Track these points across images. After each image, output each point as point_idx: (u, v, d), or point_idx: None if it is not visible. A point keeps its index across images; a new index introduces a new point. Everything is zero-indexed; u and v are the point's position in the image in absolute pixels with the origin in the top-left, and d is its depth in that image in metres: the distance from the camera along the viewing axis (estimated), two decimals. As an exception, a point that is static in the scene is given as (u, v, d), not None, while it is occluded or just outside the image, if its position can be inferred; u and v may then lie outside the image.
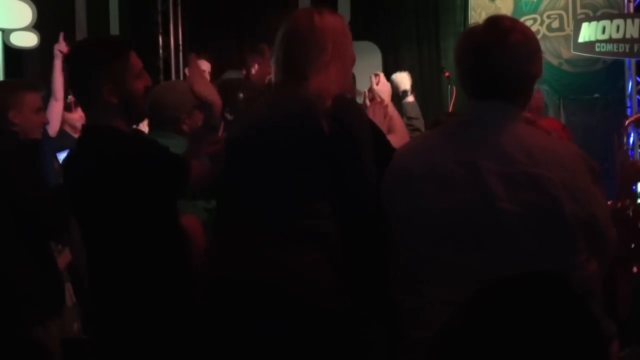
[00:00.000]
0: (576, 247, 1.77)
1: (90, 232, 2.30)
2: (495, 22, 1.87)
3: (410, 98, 4.22)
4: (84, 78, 2.25)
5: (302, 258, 2.01)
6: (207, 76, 5.78)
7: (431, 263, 1.81)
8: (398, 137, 2.75)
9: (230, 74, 5.89)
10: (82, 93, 2.29)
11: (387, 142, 2.27)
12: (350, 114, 2.07)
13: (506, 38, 1.81)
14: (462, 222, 1.77)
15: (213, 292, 2.11)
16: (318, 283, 2.01)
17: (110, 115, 2.23)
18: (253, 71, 5.59)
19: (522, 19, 6.79)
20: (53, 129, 5.11)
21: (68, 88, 5.15)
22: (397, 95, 4.34)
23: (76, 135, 5.31)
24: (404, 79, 4.34)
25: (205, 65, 5.85)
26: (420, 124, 3.89)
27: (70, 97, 5.41)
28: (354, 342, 2.05)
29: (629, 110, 6.64)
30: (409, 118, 3.84)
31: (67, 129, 5.32)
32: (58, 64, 5.00)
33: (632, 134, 6.53)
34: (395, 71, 4.44)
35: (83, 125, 2.37)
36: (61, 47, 5.02)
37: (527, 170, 1.74)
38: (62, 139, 5.12)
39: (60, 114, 5.12)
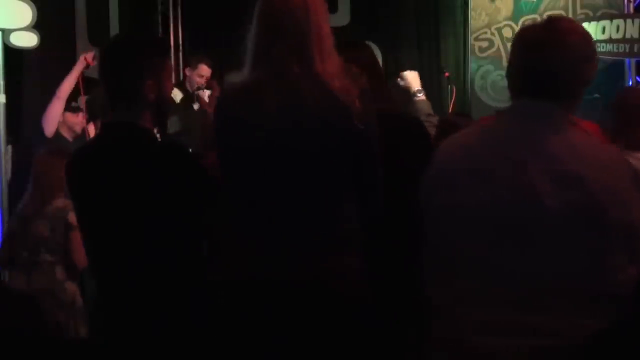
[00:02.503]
0: (617, 250, 1.75)
1: (103, 233, 2.23)
2: (555, 22, 1.87)
3: (424, 96, 4.21)
4: (127, 70, 2.20)
5: (334, 259, 2.01)
6: (203, 80, 5.81)
7: (468, 259, 1.81)
8: None
9: (232, 77, 5.87)
10: (122, 86, 2.21)
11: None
12: (371, 115, 2.08)
13: (564, 38, 1.81)
14: (504, 219, 1.77)
15: (234, 293, 2.07)
16: (350, 283, 2.02)
17: (144, 113, 2.20)
18: None
19: (522, 19, 6.80)
20: (50, 129, 5.13)
21: (72, 92, 5.20)
22: (410, 94, 4.32)
23: (71, 139, 5.34)
24: (416, 78, 4.32)
25: (205, 71, 5.86)
26: (435, 120, 3.89)
27: (74, 103, 5.43)
28: (383, 341, 2.07)
29: (629, 111, 6.63)
30: (428, 115, 3.83)
31: (64, 131, 5.32)
32: (79, 68, 5.07)
33: (632, 134, 6.51)
34: (395, 71, 4.44)
35: (109, 122, 2.29)
36: (89, 57, 5.11)
37: (573, 169, 1.74)
38: (57, 141, 5.12)
39: (58, 114, 5.16)
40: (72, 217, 3.65)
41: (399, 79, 4.00)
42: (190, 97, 5.80)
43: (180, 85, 5.85)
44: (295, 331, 2.00)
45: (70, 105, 5.30)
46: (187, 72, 5.98)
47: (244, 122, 2.06)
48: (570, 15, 6.86)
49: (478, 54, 6.94)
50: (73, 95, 5.28)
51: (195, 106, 5.71)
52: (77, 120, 5.39)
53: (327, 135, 2.02)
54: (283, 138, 2.02)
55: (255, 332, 2.04)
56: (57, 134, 5.24)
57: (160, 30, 7.63)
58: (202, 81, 5.83)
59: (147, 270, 2.15)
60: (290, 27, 2.03)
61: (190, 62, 6.16)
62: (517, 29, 6.81)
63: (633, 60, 6.58)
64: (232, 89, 2.17)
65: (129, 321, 2.18)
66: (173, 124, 4.97)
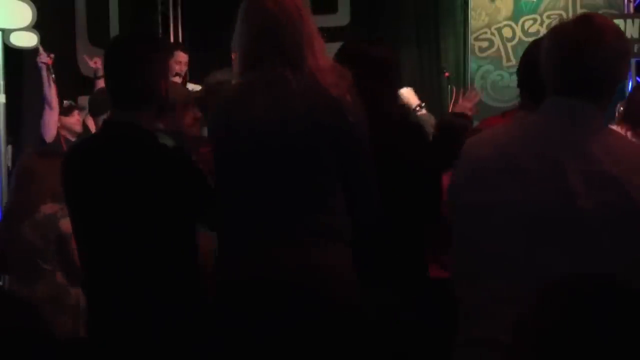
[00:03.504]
0: None
1: (96, 233, 2.22)
2: (590, 19, 1.84)
3: (424, 110, 4.20)
4: (143, 67, 2.17)
5: (322, 256, 2.01)
6: (184, 67, 5.80)
7: (498, 258, 1.78)
8: None
9: (216, 75, 5.87)
10: (137, 84, 2.16)
11: None
12: (360, 109, 2.07)
13: (602, 36, 1.78)
14: (538, 218, 1.74)
15: (231, 293, 2.08)
16: (339, 280, 2.02)
17: (149, 113, 2.18)
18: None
19: (522, 19, 6.80)
20: (50, 135, 5.14)
21: (61, 95, 5.20)
22: (411, 110, 4.32)
23: (74, 139, 5.33)
24: (411, 94, 4.31)
25: (181, 57, 5.86)
26: None
27: (66, 102, 5.43)
28: (373, 334, 2.07)
29: (629, 111, 6.64)
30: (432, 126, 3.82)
31: (64, 133, 5.32)
32: (45, 75, 5.05)
33: (632, 134, 6.52)
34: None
35: (110, 120, 2.26)
36: (43, 58, 5.09)
37: (609, 170, 1.72)
38: (59, 144, 5.13)
39: (55, 122, 5.18)
40: (64, 225, 3.55)
41: None
42: None
43: None
44: (278, 330, 2.01)
45: (61, 108, 5.29)
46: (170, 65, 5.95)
47: (235, 125, 2.08)
48: (570, 16, 6.86)
49: (478, 54, 6.94)
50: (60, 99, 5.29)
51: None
52: (74, 120, 5.38)
53: (317, 133, 2.01)
54: (272, 139, 2.03)
55: (240, 332, 2.05)
56: (59, 136, 5.25)
57: (160, 30, 7.64)
58: (180, 67, 5.82)
59: (140, 271, 2.14)
60: (284, 29, 2.02)
61: None
62: (517, 29, 6.82)
63: (633, 60, 6.58)
64: (226, 93, 2.17)
65: (121, 322, 2.17)
66: None
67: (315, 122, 2.01)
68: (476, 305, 1.81)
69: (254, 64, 2.06)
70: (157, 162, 2.14)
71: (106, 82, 2.25)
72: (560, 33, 1.85)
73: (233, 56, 6.24)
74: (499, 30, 6.87)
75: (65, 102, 5.36)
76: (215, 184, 2.18)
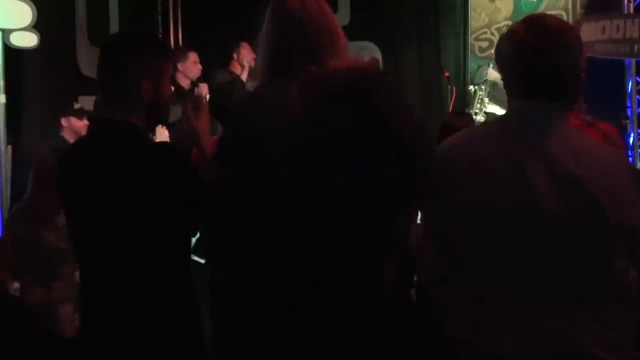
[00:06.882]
0: (616, 253, 1.75)
1: (91, 232, 2.19)
2: (544, 22, 1.85)
3: None
4: (125, 66, 2.17)
5: (359, 256, 1.99)
6: (199, 66, 5.84)
7: (467, 258, 1.81)
8: None
9: (218, 74, 5.89)
10: (116, 83, 2.18)
11: None
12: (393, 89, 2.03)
13: (563, 39, 1.81)
14: (503, 219, 1.77)
15: (254, 293, 2.04)
16: (376, 279, 2.00)
17: (137, 111, 2.18)
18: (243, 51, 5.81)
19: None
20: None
21: (61, 95, 5.19)
22: None
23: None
24: None
25: (196, 57, 5.88)
26: None
27: (77, 105, 5.42)
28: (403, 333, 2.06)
29: (629, 110, 6.65)
30: None
31: (67, 134, 5.29)
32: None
33: (632, 134, 6.53)
34: (395, 71, 4.44)
35: (100, 117, 2.25)
36: (202, 90, 5.24)
37: (573, 172, 1.74)
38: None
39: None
40: None
41: None
42: (183, 90, 5.78)
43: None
44: (298, 334, 2.00)
45: (74, 109, 5.27)
46: (180, 67, 5.89)
47: (260, 134, 2.03)
48: (570, 15, 6.87)
49: (478, 53, 6.95)
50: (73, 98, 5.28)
51: (196, 91, 5.69)
52: (82, 124, 5.35)
53: (342, 137, 1.94)
54: (302, 149, 1.97)
55: (258, 334, 2.03)
56: (60, 137, 5.23)
57: (160, 30, 7.64)
58: (198, 68, 5.87)
59: (134, 270, 2.14)
60: (309, 30, 2.04)
61: (178, 55, 5.99)
62: (517, 29, 6.83)
63: (633, 60, 6.59)
64: (249, 97, 2.14)
65: (113, 321, 2.15)
66: (175, 113, 4.93)
67: (339, 127, 1.94)
68: (452, 305, 1.83)
69: (280, 63, 2.05)
70: (143, 160, 2.13)
71: (97, 78, 2.27)
72: (518, 38, 1.86)
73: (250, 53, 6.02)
74: (499, 30, 6.88)
75: (75, 105, 5.35)
76: (232, 185, 2.14)
